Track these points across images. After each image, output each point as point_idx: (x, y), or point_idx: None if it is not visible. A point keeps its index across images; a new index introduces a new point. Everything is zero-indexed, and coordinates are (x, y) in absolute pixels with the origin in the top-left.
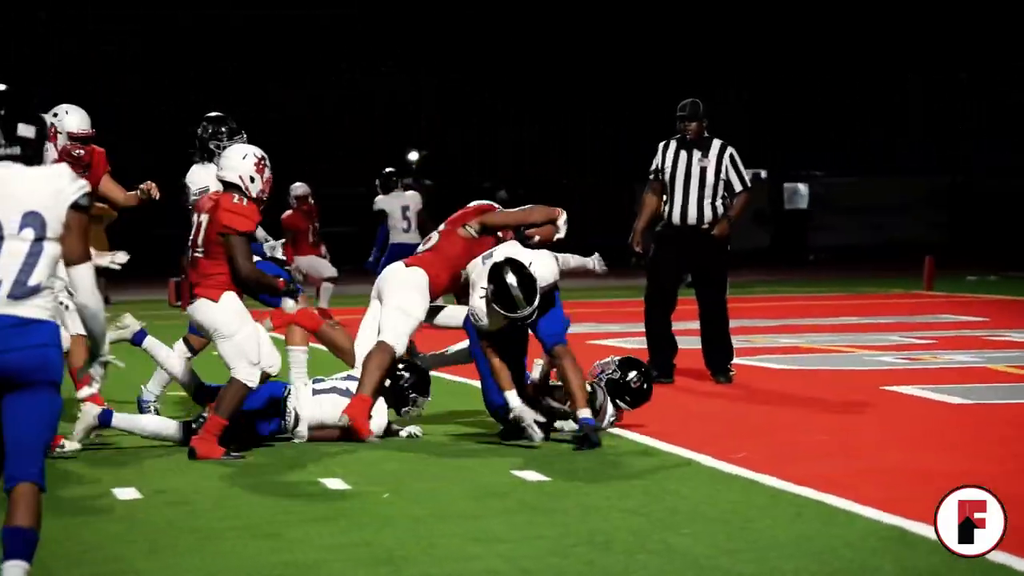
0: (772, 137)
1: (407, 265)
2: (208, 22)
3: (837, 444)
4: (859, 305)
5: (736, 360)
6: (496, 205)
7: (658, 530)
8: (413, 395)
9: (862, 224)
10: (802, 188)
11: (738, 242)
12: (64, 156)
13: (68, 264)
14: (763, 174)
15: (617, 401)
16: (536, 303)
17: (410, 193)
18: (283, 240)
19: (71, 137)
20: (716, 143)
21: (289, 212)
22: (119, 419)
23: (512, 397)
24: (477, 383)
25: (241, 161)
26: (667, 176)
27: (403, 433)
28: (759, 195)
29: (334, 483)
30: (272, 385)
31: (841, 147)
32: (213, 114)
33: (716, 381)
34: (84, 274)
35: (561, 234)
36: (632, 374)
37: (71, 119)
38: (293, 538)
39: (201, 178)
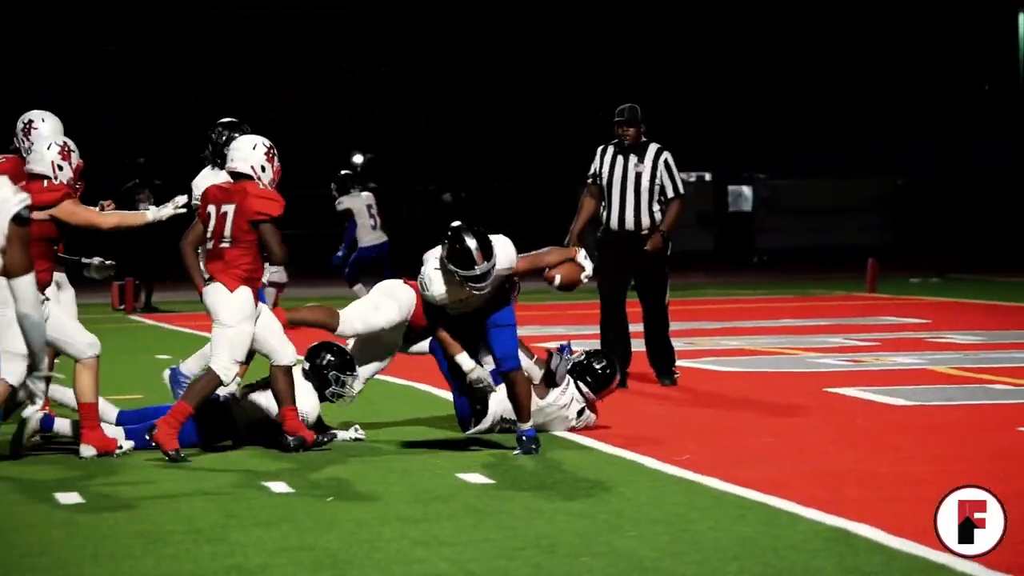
0: (772, 137)
1: (405, 282)
2: (208, 22)
3: (780, 446)
4: (803, 307)
5: (680, 362)
6: None
7: (603, 532)
8: (333, 374)
9: (806, 226)
10: (746, 190)
11: (683, 244)
12: (77, 174)
13: (10, 276)
14: (707, 176)
15: (579, 383)
16: (493, 262)
17: (366, 194)
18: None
19: None
20: (652, 147)
21: None
22: (61, 424)
23: (465, 360)
24: (421, 386)
25: (252, 151)
26: (604, 181)
27: (345, 435)
28: (704, 197)
29: (278, 486)
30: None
31: (792, 148)
32: (227, 120)
33: (661, 383)
34: (26, 285)
35: (588, 272)
36: (596, 359)
37: (47, 127)
38: (237, 542)
39: (209, 183)
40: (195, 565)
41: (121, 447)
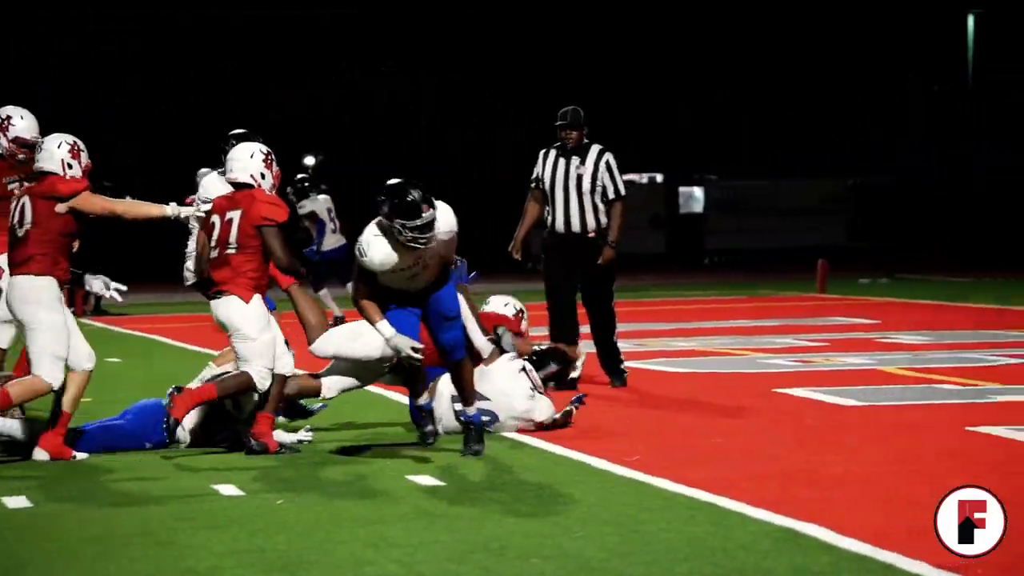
0: (772, 137)
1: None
2: (208, 22)
3: (730, 447)
4: (753, 308)
5: (631, 363)
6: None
7: (552, 534)
8: None
9: (757, 227)
10: (697, 192)
11: (634, 246)
12: (86, 174)
13: None
14: (659, 178)
15: (526, 363)
16: (434, 213)
17: (323, 197)
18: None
19: (21, 143)
20: (594, 149)
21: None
22: (3, 424)
23: (384, 326)
24: (374, 389)
25: (250, 160)
26: (547, 185)
27: (294, 438)
28: (655, 199)
29: (228, 489)
30: (152, 402)
31: (792, 148)
32: (239, 131)
33: (612, 384)
34: None
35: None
36: (543, 350)
37: (25, 124)
38: (187, 545)
39: (217, 189)
40: (144, 569)
41: (75, 457)
